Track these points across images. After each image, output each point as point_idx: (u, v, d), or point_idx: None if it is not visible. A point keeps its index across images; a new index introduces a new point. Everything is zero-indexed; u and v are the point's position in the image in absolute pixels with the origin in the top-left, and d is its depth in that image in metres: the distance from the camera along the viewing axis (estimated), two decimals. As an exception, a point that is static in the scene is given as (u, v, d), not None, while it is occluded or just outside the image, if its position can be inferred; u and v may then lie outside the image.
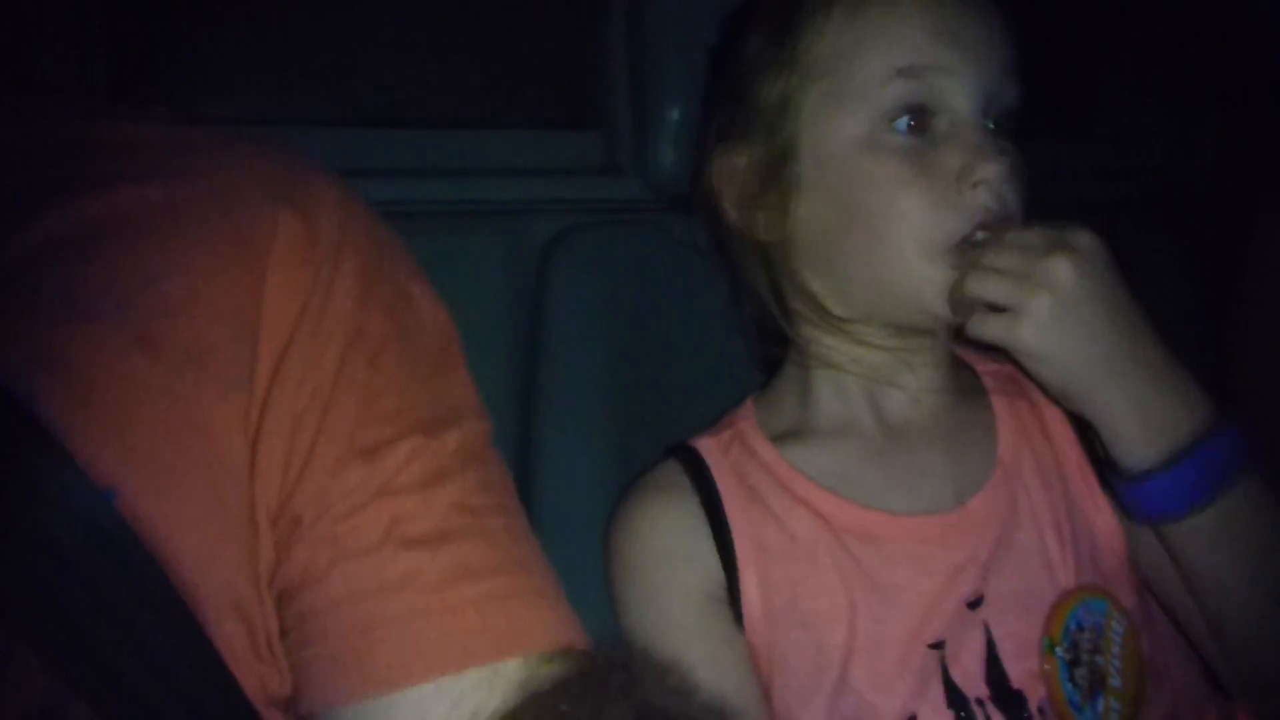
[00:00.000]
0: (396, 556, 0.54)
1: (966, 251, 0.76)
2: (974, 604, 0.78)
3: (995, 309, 0.74)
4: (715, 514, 0.82)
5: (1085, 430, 0.78)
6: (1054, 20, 1.31)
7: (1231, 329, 1.11)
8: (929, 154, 0.77)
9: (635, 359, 0.96)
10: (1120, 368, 0.73)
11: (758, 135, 0.83)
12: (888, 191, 0.78)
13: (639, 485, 0.86)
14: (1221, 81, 1.45)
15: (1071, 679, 0.77)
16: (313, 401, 0.54)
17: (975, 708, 0.76)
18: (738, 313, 0.93)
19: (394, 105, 1.10)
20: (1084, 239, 0.73)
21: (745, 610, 0.80)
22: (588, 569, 0.84)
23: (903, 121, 0.77)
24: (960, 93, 0.77)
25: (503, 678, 0.54)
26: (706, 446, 0.86)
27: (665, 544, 0.82)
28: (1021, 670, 0.77)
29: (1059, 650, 0.77)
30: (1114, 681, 0.77)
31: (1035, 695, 0.77)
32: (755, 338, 0.93)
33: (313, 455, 0.54)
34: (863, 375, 0.84)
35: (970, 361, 0.90)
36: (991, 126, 0.79)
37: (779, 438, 0.86)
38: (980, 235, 0.76)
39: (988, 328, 0.75)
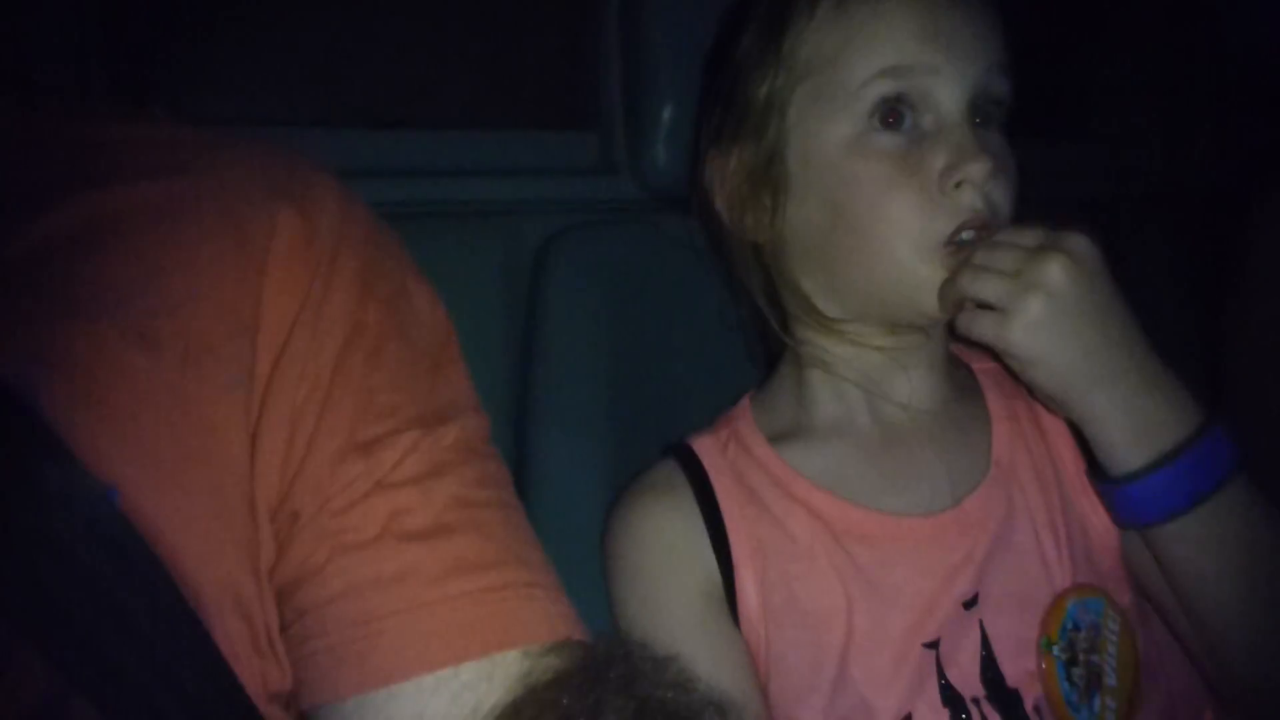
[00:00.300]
0: (395, 550, 0.54)
1: (956, 250, 0.76)
2: (969, 603, 0.78)
3: (986, 307, 0.74)
4: (712, 513, 0.82)
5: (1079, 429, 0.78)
6: (1047, 20, 1.31)
7: (1226, 328, 1.11)
8: (914, 154, 0.77)
9: (631, 358, 0.96)
10: (1108, 371, 0.73)
11: (748, 136, 0.83)
12: (874, 193, 0.77)
13: (636, 485, 0.86)
14: (1216, 81, 1.45)
15: (1068, 678, 0.77)
16: (311, 397, 0.55)
17: (971, 707, 0.76)
18: (733, 312, 0.93)
19: (389, 106, 1.10)
20: (1078, 242, 0.73)
21: (742, 609, 0.81)
22: (585, 568, 0.84)
23: (883, 118, 0.77)
24: (945, 91, 0.77)
25: (502, 670, 0.54)
26: (703, 446, 0.86)
27: (663, 543, 0.82)
28: (1017, 669, 0.77)
29: (1055, 650, 0.77)
30: (1110, 680, 0.77)
31: (1031, 694, 0.77)
32: (753, 335, 0.93)
33: (311, 450, 0.54)
34: (857, 376, 0.84)
35: (966, 359, 0.90)
36: (979, 122, 0.78)
37: (776, 437, 0.86)
38: (966, 235, 0.76)
39: (977, 326, 0.75)
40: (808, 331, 0.85)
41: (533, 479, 0.92)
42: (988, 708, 0.76)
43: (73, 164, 0.56)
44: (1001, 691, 0.77)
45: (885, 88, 0.77)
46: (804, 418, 0.86)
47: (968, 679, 0.77)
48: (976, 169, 0.75)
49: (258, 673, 0.52)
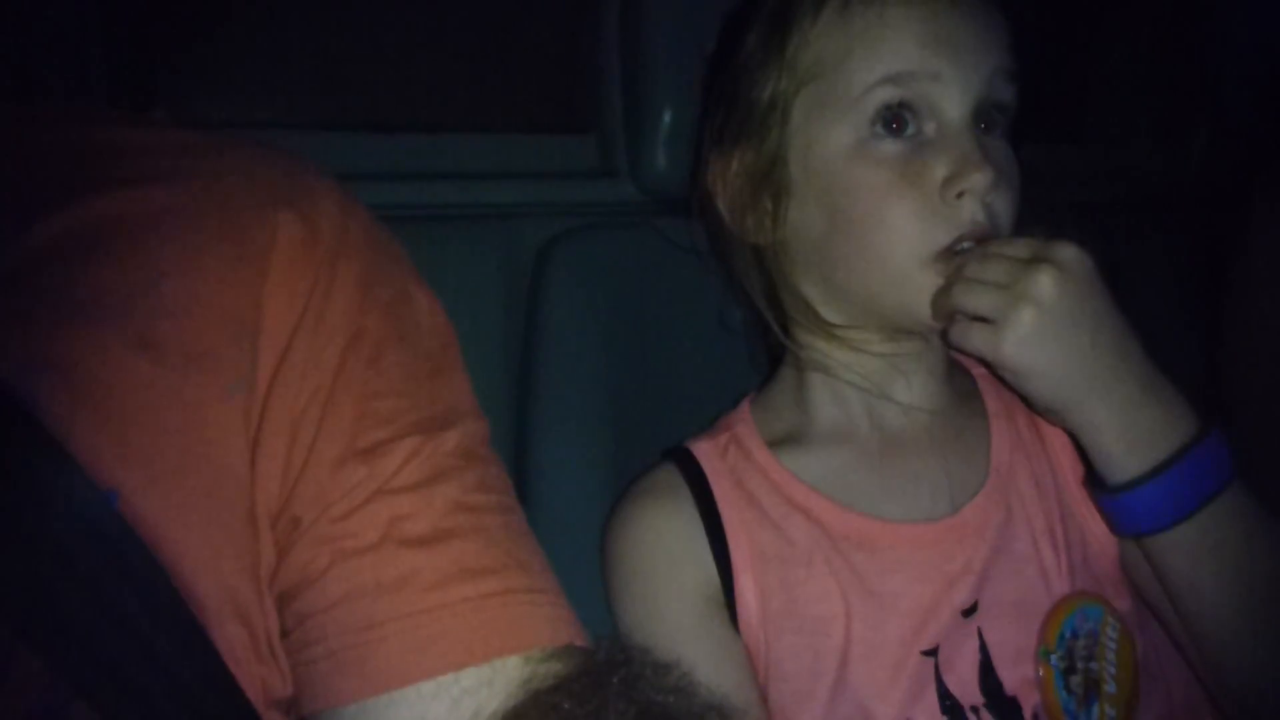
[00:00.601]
0: (395, 556, 0.54)
1: (953, 259, 0.76)
2: (968, 611, 0.78)
3: (980, 319, 0.74)
4: (712, 518, 0.82)
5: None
6: (1044, 23, 1.31)
7: (1222, 330, 1.11)
8: (916, 162, 0.76)
9: (631, 362, 0.96)
10: (1102, 382, 0.72)
11: (750, 138, 0.83)
12: (874, 200, 0.77)
13: (635, 489, 0.86)
14: (1213, 82, 1.45)
15: (1066, 686, 0.77)
16: (312, 402, 0.55)
17: (970, 715, 0.76)
18: (733, 315, 0.93)
19: (390, 109, 1.10)
20: (1068, 252, 0.72)
21: (741, 614, 0.80)
22: (584, 571, 0.84)
23: (886, 125, 0.77)
24: (948, 98, 0.76)
25: (503, 676, 0.54)
26: (703, 450, 0.86)
27: (662, 547, 0.82)
28: (1016, 677, 0.77)
29: (1054, 658, 0.77)
30: (1109, 688, 0.77)
31: (1030, 702, 0.76)
32: (753, 338, 0.93)
33: (312, 456, 0.54)
34: (857, 381, 0.84)
35: (967, 365, 0.89)
36: (982, 128, 0.78)
37: (775, 442, 0.85)
38: (965, 245, 0.75)
39: (970, 337, 0.74)
40: (808, 335, 0.85)
41: (533, 482, 0.92)
42: (986, 716, 0.76)
43: (74, 168, 0.56)
44: (1000, 699, 0.77)
45: (888, 94, 0.76)
46: (804, 422, 0.86)
47: (966, 687, 0.77)
48: (979, 180, 0.75)
49: (258, 678, 0.52)
